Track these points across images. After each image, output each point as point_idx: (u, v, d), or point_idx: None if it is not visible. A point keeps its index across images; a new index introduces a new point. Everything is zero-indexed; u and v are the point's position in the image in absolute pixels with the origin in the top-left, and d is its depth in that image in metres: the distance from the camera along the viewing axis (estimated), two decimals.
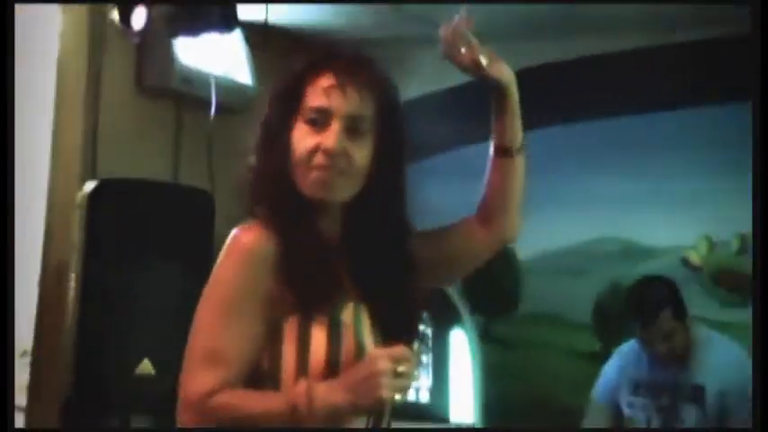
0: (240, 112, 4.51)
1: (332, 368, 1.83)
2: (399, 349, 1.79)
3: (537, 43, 4.78)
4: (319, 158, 1.89)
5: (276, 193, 1.91)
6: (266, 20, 4.21)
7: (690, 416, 3.72)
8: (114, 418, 3.76)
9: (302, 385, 1.78)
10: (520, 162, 2.18)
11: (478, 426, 4.73)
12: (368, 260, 1.96)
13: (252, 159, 1.99)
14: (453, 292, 4.51)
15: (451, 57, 2.03)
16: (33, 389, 3.98)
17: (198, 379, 1.81)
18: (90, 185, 3.74)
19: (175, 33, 4.13)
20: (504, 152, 2.17)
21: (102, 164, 4.04)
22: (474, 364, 4.87)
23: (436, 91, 4.78)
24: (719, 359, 3.74)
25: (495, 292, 5.05)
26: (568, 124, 4.89)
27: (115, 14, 4.06)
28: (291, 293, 1.83)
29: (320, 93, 1.91)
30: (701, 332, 3.82)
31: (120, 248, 3.66)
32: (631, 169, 4.75)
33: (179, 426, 1.83)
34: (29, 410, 4.01)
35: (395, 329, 1.90)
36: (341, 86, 1.91)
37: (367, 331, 1.90)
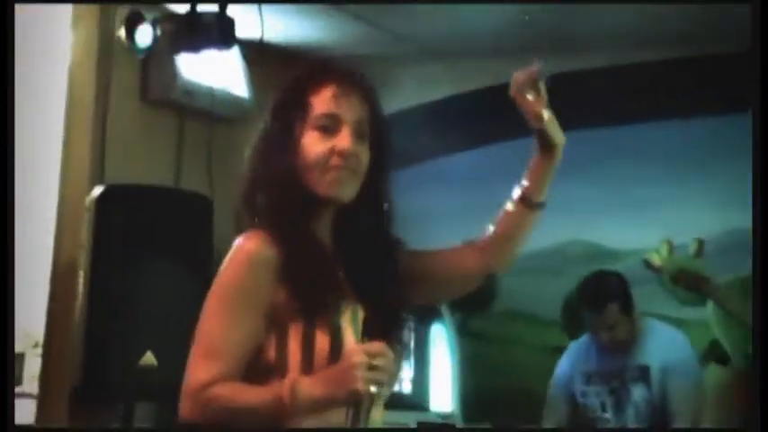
0: (237, 122, 4.56)
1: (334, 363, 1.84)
2: (375, 344, 1.79)
3: (519, 58, 4.85)
4: (335, 160, 1.91)
5: (282, 199, 1.92)
6: (261, 37, 4.26)
7: (638, 394, 3.84)
8: (119, 406, 3.81)
9: (288, 379, 1.80)
10: (538, 216, 2.21)
11: (456, 414, 4.79)
12: (360, 261, 1.98)
13: (252, 169, 1.98)
14: None
15: (517, 98, 2.07)
16: (44, 378, 4.01)
17: (198, 371, 1.83)
18: (98, 190, 3.79)
19: (178, 50, 4.19)
20: (530, 205, 2.19)
21: (109, 170, 4.07)
22: (452, 357, 4.93)
23: (414, 106, 4.85)
24: (660, 341, 3.88)
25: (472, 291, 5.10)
26: None
27: (122, 32, 4.13)
28: (295, 299, 1.85)
29: (328, 101, 1.94)
30: (645, 322, 3.93)
31: (126, 249, 3.71)
32: (600, 177, 4.83)
33: (180, 413, 1.86)
34: (40, 398, 4.04)
35: (381, 327, 1.90)
36: (345, 95, 1.95)
37: (361, 331, 1.92)
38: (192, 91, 4.31)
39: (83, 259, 3.73)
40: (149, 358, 3.66)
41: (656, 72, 4.71)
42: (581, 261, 4.79)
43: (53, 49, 4.24)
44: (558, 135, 2.16)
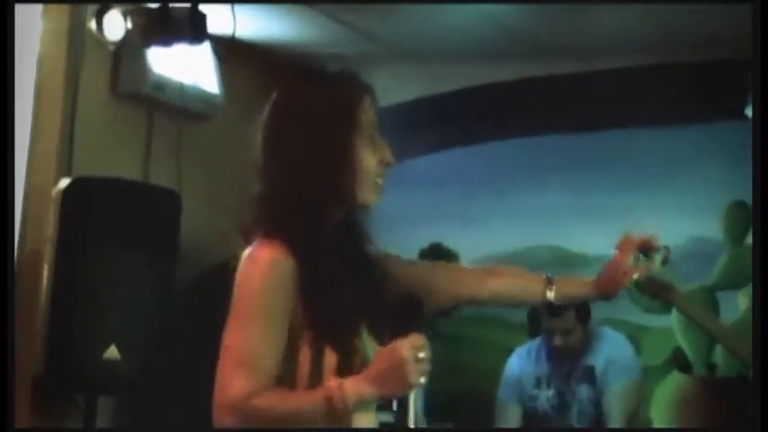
0: (207, 118, 4.61)
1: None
2: (416, 337, 1.84)
3: (490, 61, 4.93)
4: (383, 171, 2.00)
5: (319, 210, 1.94)
6: (233, 34, 4.30)
7: (583, 393, 3.96)
8: (81, 399, 3.84)
9: (333, 381, 1.85)
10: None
11: (420, 415, 4.84)
12: (362, 272, 2.03)
13: (277, 177, 1.97)
14: None
15: (619, 251, 2.24)
16: None
17: (236, 383, 1.84)
18: (64, 182, 3.80)
19: (149, 43, 4.22)
20: (545, 303, 2.32)
21: (76, 163, 4.08)
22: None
23: (384, 106, 4.90)
24: (605, 343, 4.07)
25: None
26: (511, 140, 5.04)
27: (93, 24, 4.15)
28: (311, 312, 1.89)
29: (369, 111, 2.00)
30: (596, 329, 4.05)
31: (92, 242, 3.72)
32: (568, 184, 4.91)
33: (220, 427, 1.86)
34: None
35: (404, 323, 1.92)
36: (373, 104, 2.02)
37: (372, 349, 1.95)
38: (162, 85, 4.34)
39: (48, 251, 3.75)
40: (113, 352, 3.67)
41: (625, 79, 4.81)
42: (548, 266, 4.83)
43: (22, 39, 4.25)
44: (616, 293, 2.31)
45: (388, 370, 1.83)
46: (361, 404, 1.86)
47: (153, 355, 3.78)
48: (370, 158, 1.99)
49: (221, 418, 1.85)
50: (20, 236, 4.08)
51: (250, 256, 1.91)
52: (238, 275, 1.92)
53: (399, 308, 1.93)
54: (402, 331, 1.87)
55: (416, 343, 1.84)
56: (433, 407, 4.64)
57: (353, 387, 1.84)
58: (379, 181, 2.01)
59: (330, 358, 1.90)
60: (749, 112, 4.01)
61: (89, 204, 3.78)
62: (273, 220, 1.93)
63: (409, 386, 1.84)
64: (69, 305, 3.68)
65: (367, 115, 2.00)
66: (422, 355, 1.83)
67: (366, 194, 1.99)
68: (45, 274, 3.75)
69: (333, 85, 2.01)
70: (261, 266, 1.89)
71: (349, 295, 1.95)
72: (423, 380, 1.84)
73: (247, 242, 1.96)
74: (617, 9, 4.21)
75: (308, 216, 1.93)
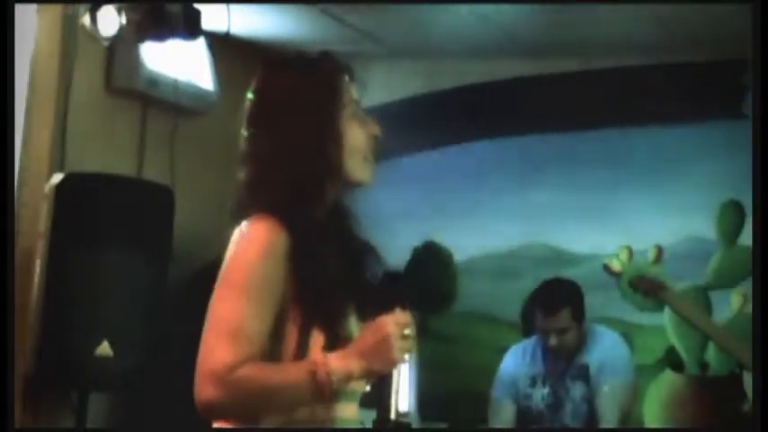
0: (201, 114, 4.61)
1: None
2: (402, 314, 1.86)
3: (485, 59, 4.94)
4: (373, 146, 2.03)
5: (311, 185, 1.95)
6: (228, 31, 4.30)
7: (576, 391, 3.98)
8: (73, 395, 3.83)
9: (318, 356, 1.85)
10: None
11: (413, 413, 4.84)
12: (352, 253, 2.03)
13: (267, 154, 1.98)
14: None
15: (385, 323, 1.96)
16: None
17: (222, 352, 1.81)
18: (57, 178, 3.79)
19: (143, 39, 4.22)
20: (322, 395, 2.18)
21: (70, 158, 4.07)
22: (412, 356, 4.99)
23: (379, 104, 4.91)
24: (600, 343, 4.06)
25: (432, 291, 5.17)
26: (505, 139, 5.05)
27: (87, 19, 4.14)
28: (301, 290, 1.88)
29: (352, 88, 2.04)
30: (591, 328, 4.07)
31: (85, 238, 3.72)
32: (561, 183, 4.92)
33: (201, 396, 1.83)
34: None
35: (387, 302, 1.95)
36: (354, 81, 2.05)
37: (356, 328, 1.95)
38: (156, 81, 4.33)
39: (41, 247, 3.74)
40: (105, 348, 3.67)
41: (619, 79, 4.82)
42: (541, 264, 4.88)
43: (17, 35, 4.24)
44: None
45: (373, 345, 1.85)
46: (347, 379, 1.85)
47: (146, 352, 3.77)
48: (357, 133, 2.02)
49: (204, 387, 1.82)
50: (13, 232, 4.08)
51: (244, 231, 1.91)
52: (231, 249, 1.91)
53: (384, 285, 1.97)
54: (387, 308, 1.88)
55: (402, 319, 1.86)
56: (426, 405, 4.65)
57: (338, 361, 1.84)
58: (369, 157, 2.04)
59: (317, 338, 1.89)
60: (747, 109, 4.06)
61: (82, 200, 3.77)
62: (266, 201, 1.93)
63: (394, 362, 1.85)
64: (62, 301, 3.68)
65: (349, 92, 2.03)
66: (407, 331, 1.86)
67: (357, 171, 2.02)
68: (38, 269, 3.74)
69: (313, 66, 2.05)
70: (256, 241, 1.88)
71: (339, 275, 1.95)
72: (406, 356, 1.86)
73: (239, 224, 1.96)
74: (612, 9, 4.22)
75: (302, 195, 1.94)
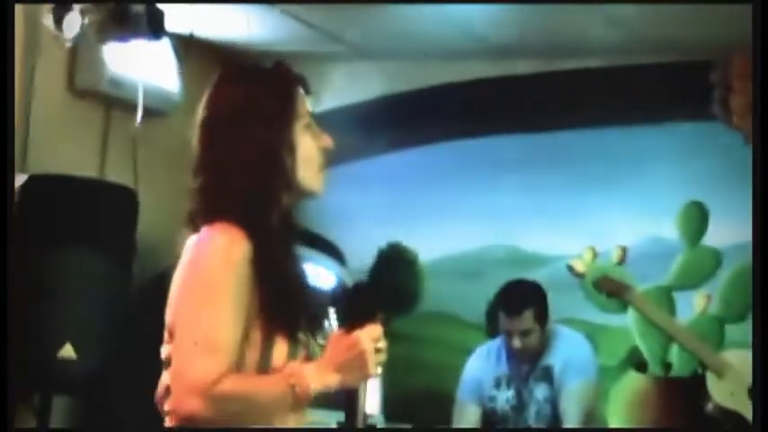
0: (165, 115, 4.59)
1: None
2: (375, 328, 1.94)
3: (448, 61, 4.97)
4: (324, 158, 2.05)
5: (267, 195, 1.98)
6: (191, 32, 4.29)
7: (540, 393, 4.02)
8: (36, 397, 3.81)
9: (295, 368, 1.90)
10: None
11: (378, 414, 4.86)
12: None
13: (220, 162, 2.00)
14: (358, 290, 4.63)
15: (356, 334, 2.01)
16: None
17: (201, 367, 1.83)
18: (20, 179, 3.78)
19: (106, 39, 4.21)
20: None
21: (32, 159, 4.07)
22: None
23: (341, 105, 4.94)
24: (563, 343, 4.09)
25: (397, 291, 5.19)
26: (468, 140, 5.08)
27: (49, 19, 4.12)
28: (264, 298, 1.91)
29: (304, 100, 2.06)
30: (554, 329, 4.10)
31: (47, 239, 3.72)
32: (525, 184, 4.96)
33: (183, 411, 1.84)
34: None
35: (362, 313, 2.00)
36: (307, 93, 2.08)
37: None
38: (119, 82, 4.33)
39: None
40: (68, 351, 3.67)
41: (582, 81, 4.87)
42: (505, 265, 4.91)
43: None
44: None
45: (349, 360, 1.92)
46: (323, 390, 1.92)
47: (109, 355, 3.76)
48: (310, 145, 2.04)
49: (186, 400, 1.83)
50: None
51: (205, 239, 1.92)
52: (191, 256, 1.93)
53: (356, 299, 2.03)
54: (360, 322, 1.94)
55: (375, 334, 1.94)
56: (390, 406, 4.67)
57: (316, 375, 1.90)
58: (321, 168, 2.06)
59: (280, 347, 1.92)
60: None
61: (45, 202, 3.77)
62: (224, 209, 1.94)
63: (369, 375, 1.95)
64: (24, 302, 3.63)
65: (303, 104, 2.06)
66: (380, 345, 1.94)
67: (310, 181, 2.04)
68: None
69: (268, 77, 2.07)
70: (220, 249, 1.89)
71: (300, 284, 2.01)
72: (379, 369, 1.94)
73: (195, 232, 1.98)
74: (576, 9, 4.26)
75: (259, 204, 1.97)
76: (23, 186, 3.76)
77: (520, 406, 4.10)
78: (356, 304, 2.03)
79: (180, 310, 1.90)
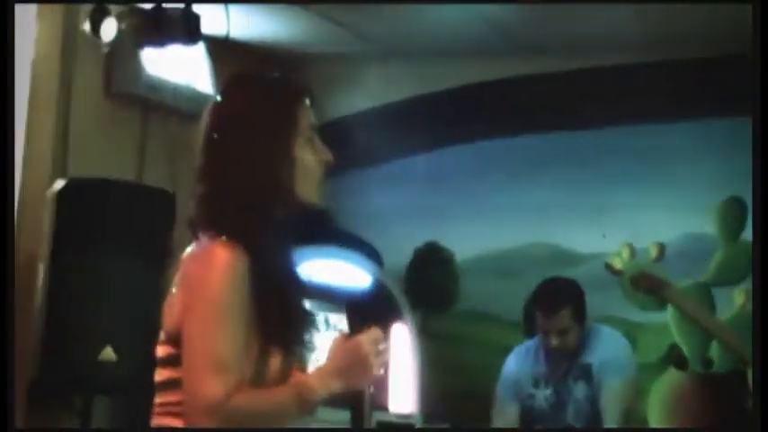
0: (201, 118, 4.63)
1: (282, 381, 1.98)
2: (375, 332, 1.97)
3: (481, 60, 4.98)
4: (324, 171, 2.07)
5: (266, 210, 2.00)
6: (227, 34, 4.33)
7: (579, 391, 4.00)
8: (77, 400, 3.86)
9: (298, 377, 1.97)
10: None
11: (415, 414, 4.88)
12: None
13: (218, 176, 2.02)
14: (395, 290, 4.65)
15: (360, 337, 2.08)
16: None
17: (212, 386, 1.87)
18: (59, 184, 3.84)
19: (142, 44, 4.26)
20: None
21: (71, 164, 4.13)
22: (413, 356, 5.02)
23: (374, 106, 4.95)
24: (602, 341, 4.06)
25: (433, 291, 5.20)
26: (504, 139, 5.08)
27: (87, 25, 4.19)
28: (260, 312, 1.94)
29: (309, 112, 2.07)
30: (592, 327, 4.08)
31: (87, 243, 3.76)
32: (562, 182, 4.96)
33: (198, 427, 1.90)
34: None
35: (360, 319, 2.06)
36: (312, 105, 2.08)
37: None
38: (156, 86, 4.38)
39: (43, 252, 3.78)
40: (108, 353, 3.71)
41: (619, 77, 4.85)
42: (543, 263, 4.90)
43: (18, 41, 4.28)
44: None
45: (352, 364, 1.96)
46: (328, 396, 1.96)
47: (148, 357, 3.80)
48: (309, 158, 2.05)
49: (199, 420, 1.88)
50: (15, 237, 4.12)
51: (204, 255, 1.95)
52: (193, 275, 1.95)
53: (357, 303, 2.03)
54: (361, 326, 1.99)
55: (376, 337, 1.97)
56: (428, 406, 4.68)
57: (320, 382, 1.96)
58: (321, 182, 2.08)
59: (275, 358, 1.98)
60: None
61: (84, 206, 3.81)
62: (223, 223, 1.96)
63: (372, 378, 1.98)
64: (65, 306, 3.71)
65: (306, 117, 2.06)
66: (381, 347, 1.97)
67: (308, 195, 2.06)
68: (41, 274, 3.78)
69: (272, 88, 2.09)
70: (220, 266, 1.92)
71: (296, 296, 2.04)
72: (381, 371, 1.98)
73: (194, 238, 2.01)
74: (609, 7, 4.25)
75: (255, 215, 1.98)
76: (62, 190, 3.81)
77: (558, 404, 4.09)
78: (361, 311, 2.07)
79: (186, 329, 1.92)
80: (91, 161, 4.20)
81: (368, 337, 1.97)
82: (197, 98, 4.54)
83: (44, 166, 4.13)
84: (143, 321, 3.79)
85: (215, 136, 2.04)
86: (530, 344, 4.26)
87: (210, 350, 1.89)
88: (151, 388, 4.09)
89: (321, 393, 1.94)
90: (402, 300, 4.74)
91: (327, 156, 2.07)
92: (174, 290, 1.99)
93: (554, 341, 4.02)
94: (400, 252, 5.11)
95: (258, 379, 1.95)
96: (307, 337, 2.05)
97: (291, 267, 2.05)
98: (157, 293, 3.85)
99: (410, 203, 5.11)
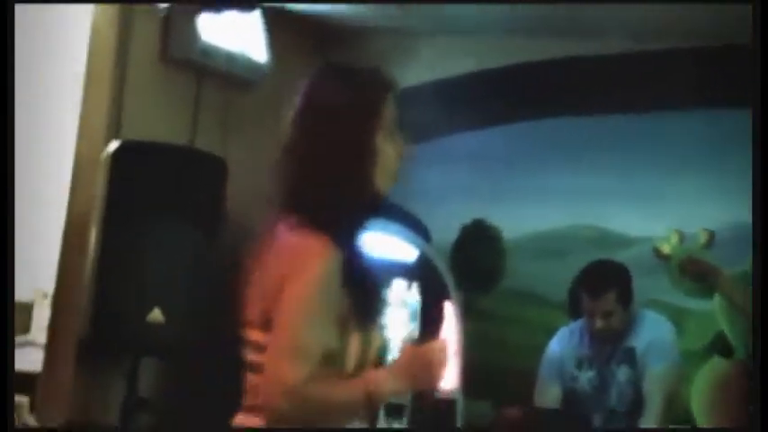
0: (254, 86, 4.69)
1: (381, 362, 2.18)
2: (444, 341, 2.19)
3: (532, 41, 4.97)
4: (399, 163, 2.20)
5: (353, 203, 2.13)
6: (283, 3, 4.36)
7: (622, 375, 4.02)
8: (124, 360, 3.96)
9: (369, 374, 2.11)
10: None
11: (456, 390, 4.92)
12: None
13: (305, 167, 2.13)
14: (441, 267, 4.68)
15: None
16: (52, 329, 4.18)
17: (291, 370, 2.01)
18: (113, 145, 3.92)
19: (199, 10, 4.32)
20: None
21: (125, 127, 4.20)
22: (456, 334, 5.05)
23: (428, 81, 4.96)
24: (647, 326, 4.11)
25: (479, 268, 5.23)
26: (556, 119, 5.08)
27: None
28: (356, 304, 2.10)
29: (392, 107, 2.19)
30: (638, 311, 4.09)
31: (138, 205, 3.84)
32: (612, 164, 4.95)
33: (270, 410, 2.04)
34: (47, 348, 4.20)
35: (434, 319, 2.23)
36: (396, 98, 2.21)
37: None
38: (211, 52, 4.44)
39: (96, 213, 3.87)
40: (156, 315, 3.79)
41: (671, 61, 4.83)
42: (590, 245, 4.91)
43: (75, 6, 4.36)
44: None
45: (419, 370, 2.14)
46: (394, 396, 2.14)
47: (196, 320, 3.87)
48: (389, 152, 2.17)
49: (273, 399, 2.03)
50: (68, 198, 4.22)
51: (300, 249, 2.07)
52: (288, 267, 2.06)
53: (430, 314, 2.20)
54: (431, 334, 2.13)
55: (444, 346, 2.18)
56: (469, 383, 4.72)
57: (388, 382, 2.11)
58: (395, 174, 2.21)
59: (375, 347, 2.16)
60: None
61: (136, 168, 3.89)
62: (313, 215, 2.08)
63: (437, 383, 2.18)
64: (115, 267, 3.80)
65: (390, 111, 2.18)
66: (448, 356, 2.17)
67: (383, 184, 2.18)
68: (92, 236, 3.87)
69: (360, 81, 2.20)
70: (315, 262, 2.05)
71: (377, 284, 2.22)
72: (445, 377, 2.16)
73: (278, 217, 2.13)
74: None
75: (341, 206, 2.11)
76: (116, 152, 3.88)
77: (601, 387, 4.12)
78: (432, 320, 2.25)
79: (276, 317, 2.06)
80: (144, 125, 4.27)
81: (437, 345, 2.16)
82: (251, 66, 4.61)
83: (99, 129, 4.21)
84: (191, 286, 3.88)
85: (303, 123, 2.15)
86: (574, 326, 4.29)
87: (295, 339, 2.04)
88: (196, 351, 4.20)
89: (388, 392, 2.10)
90: (448, 276, 4.77)
91: (405, 150, 2.20)
92: (260, 273, 2.12)
93: (599, 323, 4.05)
94: (447, 229, 5.14)
95: (339, 362, 2.09)
96: (381, 317, 2.23)
97: (370, 253, 2.20)
98: (206, 257, 3.95)
99: (459, 180, 5.14)
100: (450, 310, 4.93)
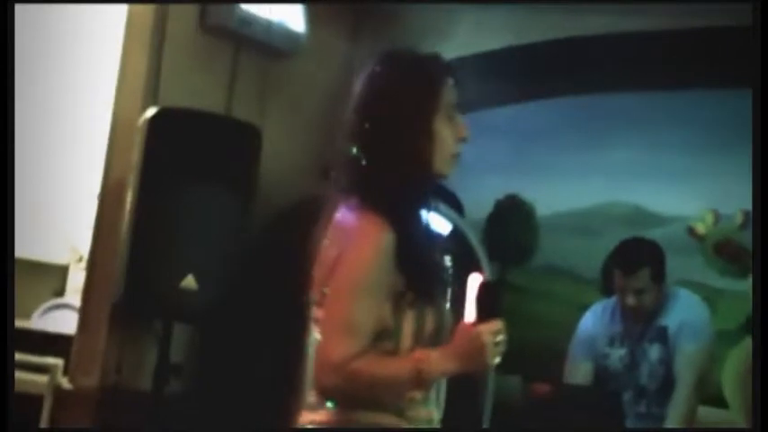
0: (292, 56, 4.71)
1: (438, 340, 2.18)
2: (496, 324, 2.15)
3: (577, 12, 4.94)
4: (460, 147, 2.26)
5: (409, 185, 2.18)
6: None
7: (653, 353, 4.02)
8: (157, 324, 4.01)
9: (420, 353, 2.13)
10: None
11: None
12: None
13: (367, 150, 2.19)
14: (474, 240, 4.69)
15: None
16: (87, 291, 4.24)
17: (340, 346, 2.07)
18: (151, 111, 3.96)
19: None
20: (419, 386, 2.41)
21: (163, 93, 4.24)
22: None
23: (467, 54, 4.94)
24: (680, 305, 4.10)
25: (512, 243, 5.23)
26: (593, 96, 5.05)
27: None
28: (410, 284, 2.14)
29: (451, 91, 2.25)
30: (671, 290, 4.08)
31: (174, 171, 3.87)
32: (646, 143, 4.93)
33: (319, 384, 2.10)
34: (82, 310, 4.27)
35: (491, 302, 2.23)
36: (456, 83, 2.27)
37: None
38: (249, 21, 4.45)
39: (132, 179, 3.91)
40: (190, 281, 3.82)
41: (706, 40, 4.78)
42: (623, 223, 4.90)
43: None
44: None
45: (470, 351, 2.13)
46: (444, 376, 2.21)
47: (229, 287, 3.91)
48: (447, 134, 2.23)
49: (323, 374, 2.09)
50: (105, 163, 4.27)
51: (358, 230, 2.13)
52: (345, 247, 2.13)
53: (482, 296, 2.21)
54: (484, 316, 2.16)
55: (496, 328, 2.15)
56: (500, 357, 4.74)
57: (440, 362, 2.13)
58: (456, 156, 2.26)
59: (430, 326, 2.17)
60: None
61: (173, 135, 3.92)
62: (372, 197, 2.15)
63: (487, 366, 2.16)
64: (150, 233, 3.84)
65: (448, 95, 2.24)
66: (499, 338, 2.15)
67: (442, 166, 2.24)
68: (128, 201, 3.91)
69: (421, 65, 2.26)
70: (368, 242, 2.12)
71: (438, 260, 2.26)
72: (497, 360, 2.16)
73: (335, 192, 2.20)
74: None
75: (400, 189, 2.17)
76: (153, 118, 3.91)
77: (632, 365, 4.12)
78: (484, 302, 2.20)
79: (331, 294, 2.13)
80: (182, 92, 4.30)
81: (488, 327, 2.14)
82: (289, 36, 4.62)
83: (136, 95, 4.25)
84: (225, 253, 3.92)
85: (365, 108, 2.21)
86: (606, 303, 4.29)
87: (347, 315, 2.10)
88: (228, 319, 4.23)
89: (438, 372, 2.13)
90: (480, 250, 4.79)
91: (464, 133, 2.26)
92: (323, 252, 2.18)
93: (631, 300, 4.04)
94: (481, 203, 5.15)
95: (394, 339, 2.14)
96: (439, 297, 2.23)
97: (429, 238, 2.24)
98: (240, 226, 3.99)
99: (494, 155, 5.13)
100: (475, 283, 4.94)
